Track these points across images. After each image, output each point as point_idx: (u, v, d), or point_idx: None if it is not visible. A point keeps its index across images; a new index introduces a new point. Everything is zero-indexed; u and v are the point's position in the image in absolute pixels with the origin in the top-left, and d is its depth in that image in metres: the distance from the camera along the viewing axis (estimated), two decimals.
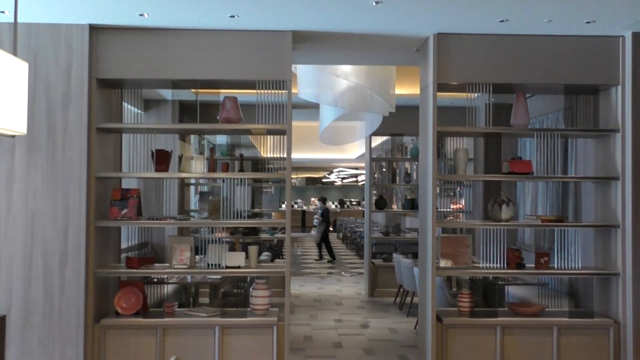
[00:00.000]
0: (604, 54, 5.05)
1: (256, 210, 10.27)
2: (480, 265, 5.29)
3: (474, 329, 5.05)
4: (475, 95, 5.20)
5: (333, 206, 26.17)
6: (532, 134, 5.35)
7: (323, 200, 15.50)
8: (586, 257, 5.47)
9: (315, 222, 16.01)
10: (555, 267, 5.28)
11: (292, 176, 6.95)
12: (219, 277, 6.10)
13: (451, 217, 7.44)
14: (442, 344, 5.00)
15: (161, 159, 5.18)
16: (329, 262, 13.82)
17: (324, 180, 27.26)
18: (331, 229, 22.77)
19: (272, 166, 5.21)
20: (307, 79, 7.07)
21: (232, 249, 6.80)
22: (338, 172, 25.39)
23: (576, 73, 5.06)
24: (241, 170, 7.01)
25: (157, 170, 5.15)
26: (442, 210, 6.66)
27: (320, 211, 14.80)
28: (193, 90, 6.76)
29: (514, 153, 7.22)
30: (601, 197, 5.30)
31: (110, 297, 5.07)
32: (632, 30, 4.91)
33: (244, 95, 5.54)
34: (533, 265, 5.26)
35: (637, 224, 4.93)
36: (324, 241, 14.21)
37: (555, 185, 6.23)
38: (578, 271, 5.30)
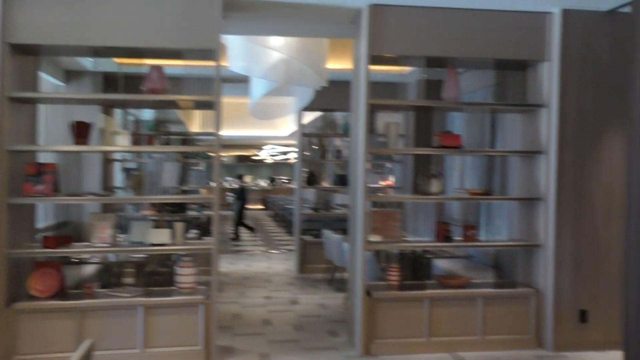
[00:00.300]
0: (533, 30, 5.13)
1: (185, 188, 9.99)
2: (410, 239, 5.33)
3: (402, 302, 5.09)
4: (408, 70, 5.18)
5: (264, 184, 25.99)
6: (462, 108, 5.41)
7: (239, 177, 15.12)
8: (511, 230, 5.61)
9: (230, 200, 15.56)
10: (482, 239, 5.39)
11: (223, 154, 6.77)
12: (143, 255, 5.88)
13: (382, 194, 7.48)
14: (371, 318, 5.02)
15: (81, 132, 4.88)
16: (248, 233, 13.60)
17: (254, 157, 26.98)
18: (261, 206, 22.65)
19: (201, 144, 5.03)
20: (237, 51, 6.84)
21: (158, 227, 6.56)
22: (269, 149, 25.18)
23: (506, 48, 5.13)
24: (167, 144, 6.75)
25: (76, 143, 4.86)
26: (372, 186, 6.67)
27: (236, 188, 14.34)
28: (117, 59, 6.42)
29: (444, 129, 7.30)
30: (527, 171, 5.43)
31: (24, 279, 4.76)
32: (561, 7, 5.01)
33: (173, 68, 5.30)
34: (461, 238, 5.35)
35: (560, 197, 5.09)
36: (239, 219, 13.83)
37: (484, 159, 6.35)
38: (503, 243, 5.44)
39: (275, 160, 26.46)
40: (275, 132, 17.81)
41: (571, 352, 5.12)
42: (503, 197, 5.67)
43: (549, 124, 5.13)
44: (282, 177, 26.73)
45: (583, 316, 5.17)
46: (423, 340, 5.09)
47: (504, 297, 5.23)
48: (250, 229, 13.83)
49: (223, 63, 5.38)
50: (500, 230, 5.51)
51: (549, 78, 5.14)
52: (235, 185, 14.34)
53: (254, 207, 23.27)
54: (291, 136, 16.41)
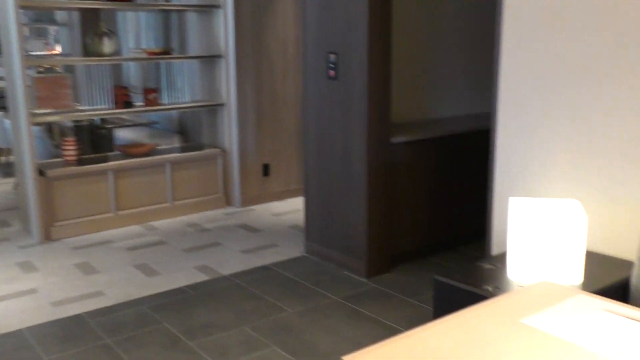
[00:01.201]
0: None
1: None
2: (85, 108, 4.76)
3: (83, 178, 4.61)
4: None
5: None
6: None
7: None
8: (194, 91, 5.43)
9: None
10: (165, 103, 5.11)
11: None
12: None
13: None
14: (48, 200, 4.46)
15: None
16: None
17: None
18: None
19: None
20: None
21: None
22: None
23: None
24: None
25: None
26: (35, 54, 5.73)
27: None
28: None
29: None
30: (205, 27, 5.20)
31: None
32: None
33: None
34: (142, 104, 4.98)
35: (239, 53, 5.02)
36: None
37: (161, 17, 5.89)
38: (186, 105, 5.24)
39: None
40: None
41: (257, 205, 5.36)
42: (182, 56, 5.39)
43: None
44: None
45: (266, 170, 5.41)
46: (111, 215, 4.76)
47: (191, 160, 5.13)
48: None
49: None
50: (183, 92, 5.28)
51: None
52: None
53: None
54: None
